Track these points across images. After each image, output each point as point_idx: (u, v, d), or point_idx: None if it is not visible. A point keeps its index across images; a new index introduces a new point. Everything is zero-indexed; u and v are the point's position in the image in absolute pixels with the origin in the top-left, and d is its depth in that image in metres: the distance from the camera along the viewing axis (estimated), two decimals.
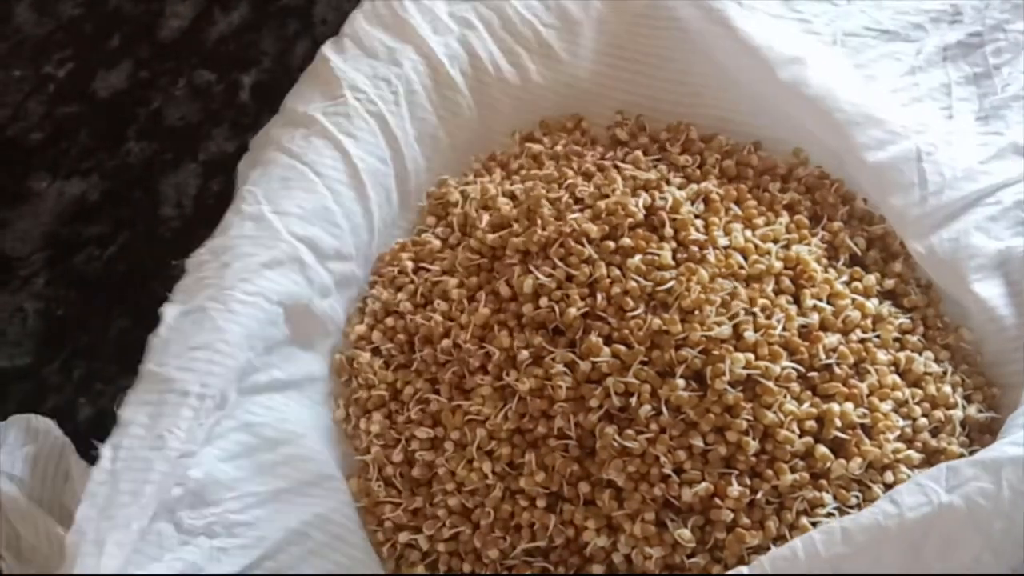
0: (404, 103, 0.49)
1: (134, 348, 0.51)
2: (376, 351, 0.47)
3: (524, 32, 0.51)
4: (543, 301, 0.44)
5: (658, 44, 0.51)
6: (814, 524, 0.40)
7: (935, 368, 0.45)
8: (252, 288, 0.43)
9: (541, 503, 0.42)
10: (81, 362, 0.51)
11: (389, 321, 0.47)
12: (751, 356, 0.42)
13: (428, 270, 0.48)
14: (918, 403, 0.43)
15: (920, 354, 0.45)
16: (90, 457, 0.48)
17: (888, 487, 0.42)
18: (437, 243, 0.49)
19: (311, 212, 0.45)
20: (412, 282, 0.48)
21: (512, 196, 0.48)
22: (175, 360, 0.40)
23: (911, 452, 0.42)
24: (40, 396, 0.50)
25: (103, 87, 0.58)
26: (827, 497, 0.41)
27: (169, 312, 0.42)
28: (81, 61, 0.59)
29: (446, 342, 0.45)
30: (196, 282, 0.43)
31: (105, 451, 0.39)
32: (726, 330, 0.43)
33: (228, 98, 0.58)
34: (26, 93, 0.58)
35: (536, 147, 0.51)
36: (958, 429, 0.43)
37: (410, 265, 0.48)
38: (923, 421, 0.43)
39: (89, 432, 0.49)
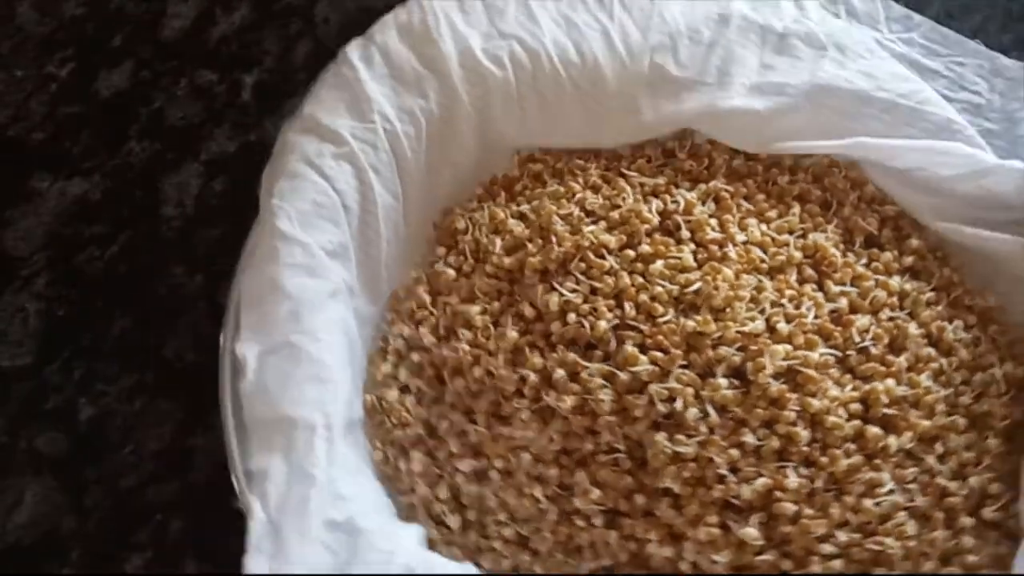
0: (424, 138, 0.48)
1: (135, 348, 0.50)
2: (405, 389, 0.46)
3: (550, 86, 0.49)
4: (571, 317, 0.43)
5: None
6: (877, 505, 0.40)
7: (965, 335, 0.45)
8: (326, 319, 0.42)
9: (599, 521, 0.42)
10: (82, 362, 0.50)
11: (414, 357, 0.46)
12: (788, 347, 0.42)
13: (447, 302, 0.47)
14: (956, 370, 0.44)
15: (950, 323, 0.45)
16: (93, 463, 0.47)
17: (940, 457, 0.42)
18: (451, 272, 0.48)
19: (337, 246, 0.45)
20: (432, 315, 0.47)
21: (521, 216, 0.48)
22: (286, 398, 0.39)
23: (957, 418, 0.43)
24: (41, 396, 0.49)
25: (105, 87, 0.58)
26: (885, 476, 0.41)
27: (249, 353, 0.41)
28: (83, 61, 0.58)
29: (477, 370, 0.44)
30: (263, 317, 0.42)
31: (254, 503, 0.38)
32: (759, 324, 0.43)
33: (230, 98, 0.57)
34: (28, 93, 0.57)
35: (536, 167, 0.51)
36: (1002, 388, 0.44)
37: (427, 298, 0.47)
38: (963, 387, 0.44)
39: (90, 432, 0.48)
